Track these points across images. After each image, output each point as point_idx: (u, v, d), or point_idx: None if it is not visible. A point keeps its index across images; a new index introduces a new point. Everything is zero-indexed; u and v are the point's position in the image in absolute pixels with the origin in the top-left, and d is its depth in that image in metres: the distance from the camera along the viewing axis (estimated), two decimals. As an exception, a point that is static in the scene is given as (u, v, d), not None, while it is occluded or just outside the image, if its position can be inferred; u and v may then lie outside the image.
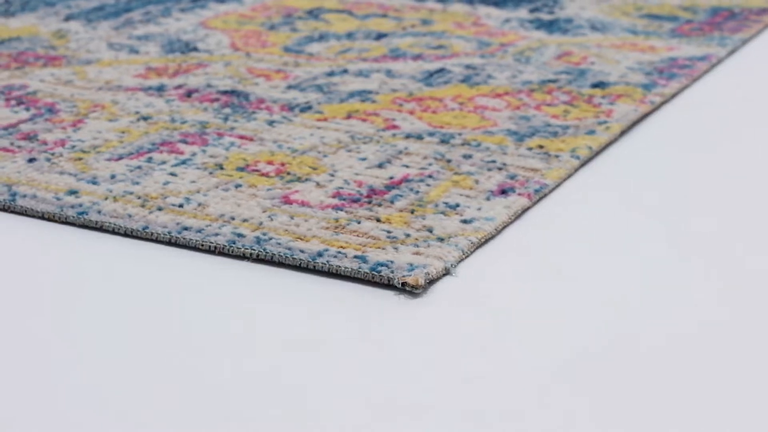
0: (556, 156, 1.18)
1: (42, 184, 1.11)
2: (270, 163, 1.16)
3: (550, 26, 1.73)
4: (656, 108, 1.36)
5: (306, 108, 1.33)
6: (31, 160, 1.17)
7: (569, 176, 1.15)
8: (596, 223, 1.05)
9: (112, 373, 0.80)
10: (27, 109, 1.33)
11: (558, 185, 1.13)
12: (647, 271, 0.95)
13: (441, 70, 1.48)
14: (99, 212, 1.04)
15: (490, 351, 0.83)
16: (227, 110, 1.33)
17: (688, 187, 1.14)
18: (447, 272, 0.95)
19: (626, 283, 0.93)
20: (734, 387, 0.78)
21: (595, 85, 1.42)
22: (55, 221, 1.05)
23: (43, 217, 1.06)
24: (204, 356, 0.83)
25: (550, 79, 1.45)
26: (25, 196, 1.08)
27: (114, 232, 1.03)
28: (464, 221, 1.02)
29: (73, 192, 1.08)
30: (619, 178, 1.16)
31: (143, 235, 1.01)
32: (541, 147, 1.21)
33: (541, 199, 1.10)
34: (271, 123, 1.28)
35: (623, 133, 1.29)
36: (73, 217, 1.04)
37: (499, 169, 1.15)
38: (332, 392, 0.78)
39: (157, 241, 1.01)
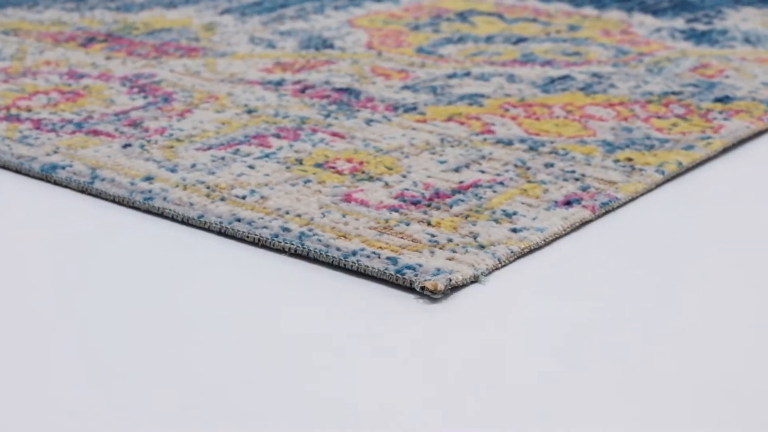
0: (641, 170, 1.14)
1: (124, 169, 1.15)
2: (349, 161, 1.17)
3: (701, 37, 1.67)
4: (774, 126, 1.30)
5: (410, 109, 1.34)
6: (125, 146, 1.21)
7: (648, 191, 1.12)
8: (657, 246, 1.01)
9: (120, 354, 0.83)
10: (144, 97, 1.38)
11: (631, 200, 1.09)
12: (687, 309, 0.91)
13: (564, 77, 1.46)
14: (164, 199, 1.08)
15: (479, 365, 0.82)
16: (333, 107, 1.34)
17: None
18: (476, 280, 0.93)
19: (661, 320, 0.89)
20: None
21: (719, 100, 1.37)
22: (124, 205, 1.09)
23: (114, 200, 1.10)
24: (195, 354, 0.84)
25: (674, 91, 1.40)
26: (103, 179, 1.13)
27: (173, 218, 1.06)
28: (513, 230, 1.01)
29: (148, 178, 1.12)
30: (705, 198, 1.12)
31: (198, 224, 1.04)
32: (629, 160, 1.17)
33: (608, 212, 1.07)
34: (369, 122, 1.29)
35: (729, 150, 1.23)
36: (140, 202, 1.08)
37: (576, 179, 1.12)
38: (296, 391, 0.78)
39: (209, 230, 1.04)
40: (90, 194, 1.12)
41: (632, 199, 1.10)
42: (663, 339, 0.85)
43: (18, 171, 1.18)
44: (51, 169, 1.15)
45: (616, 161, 1.17)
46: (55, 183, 1.15)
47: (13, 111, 1.33)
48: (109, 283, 0.94)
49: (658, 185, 1.14)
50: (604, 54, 1.58)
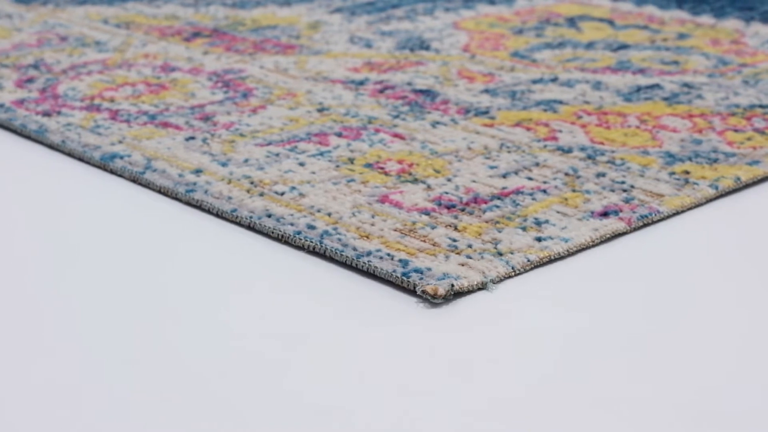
0: (695, 184, 1.11)
1: (178, 161, 1.17)
2: (400, 162, 1.17)
3: (813, 49, 1.61)
4: None
5: (482, 112, 1.33)
6: (188, 139, 1.24)
7: (697, 206, 1.08)
8: (688, 265, 0.98)
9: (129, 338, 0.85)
10: (225, 92, 1.41)
11: (675, 214, 1.06)
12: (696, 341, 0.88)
13: (653, 86, 1.42)
14: (205, 192, 1.10)
15: (459, 372, 0.81)
16: (405, 108, 1.34)
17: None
18: (483, 287, 0.92)
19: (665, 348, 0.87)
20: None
21: (807, 115, 1.31)
22: (168, 196, 1.11)
23: (159, 191, 1.12)
24: (185, 347, 0.86)
25: (762, 104, 1.35)
26: (155, 170, 1.15)
27: (209, 211, 1.08)
28: (538, 239, 0.99)
29: (197, 171, 1.14)
30: (761, 218, 1.07)
31: (231, 218, 1.06)
32: (686, 173, 1.14)
33: (647, 225, 1.04)
34: (434, 124, 1.29)
35: (801, 167, 1.18)
36: (182, 194, 1.10)
37: (624, 191, 1.09)
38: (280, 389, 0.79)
39: (239, 224, 1.05)
40: (140, 184, 1.15)
41: (677, 213, 1.06)
42: (649, 361, 0.82)
43: (80, 159, 1.21)
44: (110, 158, 1.19)
45: (672, 174, 1.13)
46: (111, 172, 1.18)
47: (97, 101, 1.37)
48: (122, 270, 0.96)
49: (710, 200, 1.10)
50: (704, 64, 1.53)
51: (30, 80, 1.46)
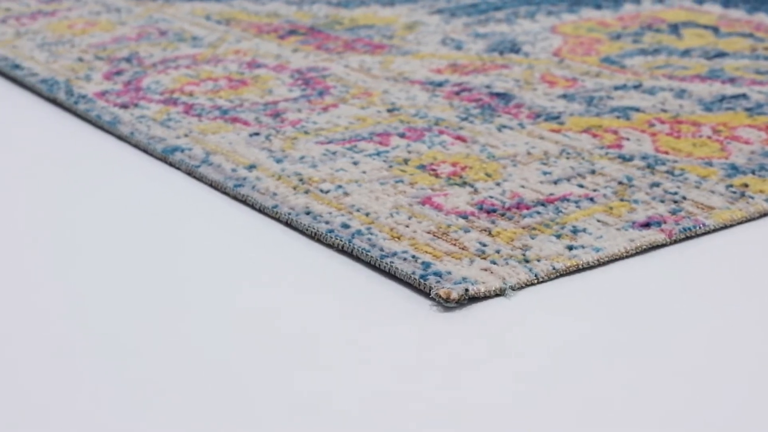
0: (750, 197, 1.08)
1: (235, 156, 1.19)
2: (454, 164, 1.16)
3: None
4: None
5: (552, 117, 1.31)
6: (252, 134, 1.26)
7: (748, 220, 1.05)
8: (726, 282, 0.95)
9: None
10: (303, 90, 1.42)
11: (723, 228, 1.03)
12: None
13: (737, 96, 1.38)
14: (253, 187, 1.11)
15: (440, 376, 0.80)
16: (476, 111, 1.33)
17: None
18: (501, 293, 0.91)
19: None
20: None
21: None
22: (217, 190, 1.13)
23: (210, 185, 1.14)
24: (202, 337, 0.87)
25: None
26: (211, 164, 1.17)
27: (252, 206, 1.09)
28: (569, 247, 0.97)
29: (251, 167, 1.16)
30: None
31: (271, 214, 1.07)
32: (745, 185, 1.10)
33: (690, 238, 1.01)
34: (500, 128, 1.27)
35: None
36: (230, 188, 1.12)
37: (675, 201, 1.07)
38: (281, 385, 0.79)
39: (278, 220, 1.06)
40: (193, 177, 1.16)
41: (725, 227, 1.03)
42: (638, 374, 0.80)
43: (145, 151, 1.24)
44: (171, 151, 1.21)
45: (729, 186, 1.10)
46: (171, 165, 1.20)
47: (176, 95, 1.40)
48: (141, 260, 0.98)
49: (765, 215, 1.06)
50: (800, 75, 1.48)
51: (118, 73, 1.50)
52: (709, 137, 1.24)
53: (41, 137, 1.31)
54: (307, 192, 1.09)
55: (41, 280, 0.95)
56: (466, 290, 0.89)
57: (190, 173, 1.17)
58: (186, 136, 1.25)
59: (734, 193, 1.09)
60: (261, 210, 1.08)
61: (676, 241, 1.01)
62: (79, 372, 0.80)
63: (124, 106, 1.35)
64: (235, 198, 1.11)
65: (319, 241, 1.01)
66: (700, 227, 1.02)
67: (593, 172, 1.14)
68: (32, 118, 1.38)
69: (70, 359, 0.82)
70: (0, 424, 0.74)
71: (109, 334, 0.86)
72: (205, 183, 1.15)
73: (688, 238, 1.01)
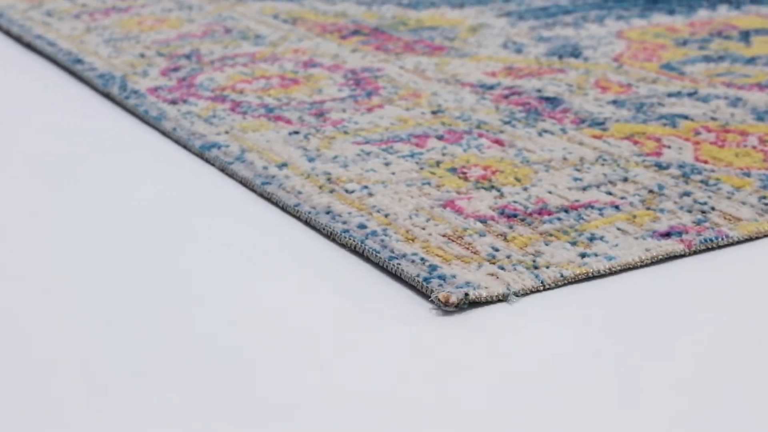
0: (782, 210, 1.05)
1: (270, 154, 1.20)
2: (485, 168, 1.15)
3: None
4: None
5: (596, 123, 1.29)
6: (291, 133, 1.26)
7: (776, 233, 1.02)
8: (743, 297, 0.93)
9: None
10: (353, 90, 1.42)
11: (748, 240, 1.01)
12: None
13: (794, 106, 1.35)
14: (279, 185, 1.11)
15: (432, 385, 0.79)
16: (521, 114, 1.32)
17: None
18: (504, 299, 0.90)
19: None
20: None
21: None
22: (246, 187, 1.14)
23: (240, 181, 1.15)
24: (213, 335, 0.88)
25: None
26: (243, 161, 1.18)
27: (276, 204, 1.10)
28: (582, 254, 0.96)
29: (282, 165, 1.16)
30: None
31: (293, 212, 1.07)
32: (779, 198, 1.08)
33: (711, 249, 0.99)
34: (542, 132, 1.26)
35: None
36: (257, 186, 1.12)
37: (703, 212, 1.05)
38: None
39: (299, 218, 1.06)
40: (225, 173, 1.18)
41: (750, 240, 1.01)
42: (631, 393, 0.78)
43: (185, 147, 1.25)
44: (208, 147, 1.22)
45: (762, 198, 1.07)
46: (206, 161, 1.21)
47: (227, 92, 1.41)
48: (154, 253, 0.99)
49: (794, 228, 1.03)
50: None
51: (175, 69, 1.52)
52: (754, 147, 1.21)
53: (87, 128, 1.34)
54: (331, 191, 1.09)
55: (59, 268, 0.97)
56: (466, 295, 0.89)
57: (223, 170, 1.18)
58: (227, 133, 1.26)
59: (766, 204, 1.06)
60: (284, 208, 1.08)
61: (696, 252, 0.98)
62: (87, 362, 0.81)
63: (173, 102, 1.37)
64: (261, 195, 1.12)
65: (334, 241, 1.02)
66: (722, 239, 1.00)
67: (625, 179, 1.12)
68: (84, 110, 1.41)
69: (82, 351, 0.83)
70: (9, 416, 0.76)
71: (117, 325, 0.87)
72: (236, 180, 1.16)
73: (709, 249, 0.99)
